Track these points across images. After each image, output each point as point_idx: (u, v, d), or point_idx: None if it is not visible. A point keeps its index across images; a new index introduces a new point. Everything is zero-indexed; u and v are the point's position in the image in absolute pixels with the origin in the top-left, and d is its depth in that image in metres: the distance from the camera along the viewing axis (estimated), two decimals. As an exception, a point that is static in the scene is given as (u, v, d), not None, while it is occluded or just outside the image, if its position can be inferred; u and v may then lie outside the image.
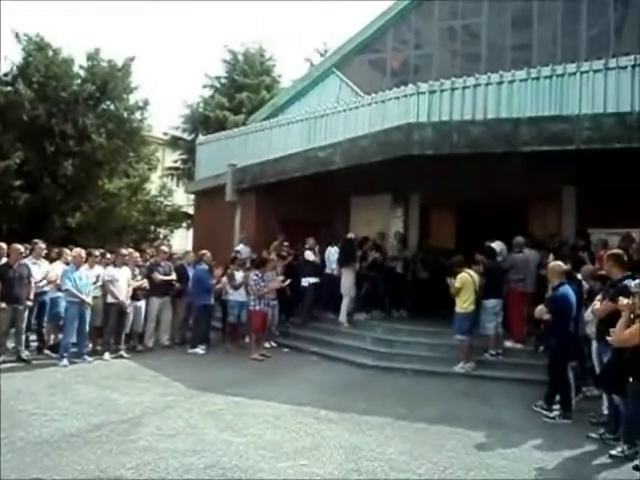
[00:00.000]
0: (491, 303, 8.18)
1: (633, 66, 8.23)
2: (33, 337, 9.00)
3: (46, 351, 8.74)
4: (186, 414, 5.80)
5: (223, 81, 23.15)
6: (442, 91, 9.51)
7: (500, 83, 9.13)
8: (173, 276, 9.67)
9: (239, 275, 10.00)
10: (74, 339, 8.34)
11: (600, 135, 8.03)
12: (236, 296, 9.88)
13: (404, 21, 14.41)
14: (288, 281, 9.75)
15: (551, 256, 8.31)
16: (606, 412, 5.59)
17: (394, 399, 6.69)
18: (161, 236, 19.47)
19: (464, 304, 7.84)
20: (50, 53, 16.70)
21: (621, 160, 8.45)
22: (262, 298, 9.08)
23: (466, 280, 7.85)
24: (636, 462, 4.57)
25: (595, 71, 8.50)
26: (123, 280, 8.86)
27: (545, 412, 6.10)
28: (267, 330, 9.64)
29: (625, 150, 7.94)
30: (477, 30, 13.50)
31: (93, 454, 4.63)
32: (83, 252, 8.59)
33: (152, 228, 18.98)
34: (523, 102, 8.94)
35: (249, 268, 10.39)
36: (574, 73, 8.67)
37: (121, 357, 8.64)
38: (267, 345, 9.54)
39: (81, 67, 17.45)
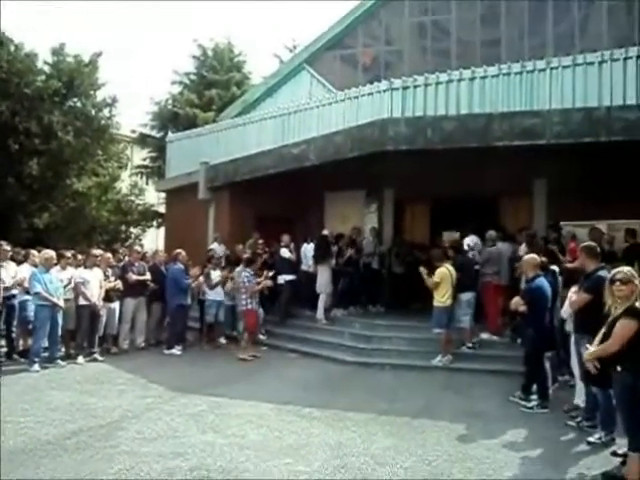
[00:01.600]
0: (466, 296, 8.32)
1: (600, 62, 8.44)
2: (2, 342, 8.72)
3: (15, 356, 8.48)
4: (167, 416, 5.70)
5: (192, 77, 22.80)
6: (415, 87, 9.58)
7: (472, 79, 9.24)
8: (148, 276, 9.50)
9: (215, 274, 9.91)
10: (45, 343, 8.12)
11: (569, 130, 8.22)
12: (213, 295, 9.80)
13: (374, 17, 14.45)
14: (271, 274, 9.72)
15: (523, 248, 8.49)
16: (576, 401, 5.74)
17: (375, 394, 6.71)
18: (133, 236, 19.07)
19: (442, 298, 7.92)
20: (12, 48, 16.11)
21: (589, 154, 8.68)
22: (253, 297, 8.99)
23: (445, 274, 7.93)
24: (613, 448, 4.70)
25: (564, 67, 8.70)
26: (95, 282, 8.66)
27: (523, 402, 6.21)
28: (258, 329, 9.61)
29: (593, 144, 8.14)
30: (447, 26, 13.62)
31: (72, 461, 4.51)
32: (54, 254, 8.34)
33: (123, 228, 18.57)
34: (495, 97, 9.09)
35: (224, 267, 10.31)
36: (544, 69, 8.85)
37: (95, 360, 8.44)
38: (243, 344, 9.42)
39: (45, 63, 16.90)
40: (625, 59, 8.25)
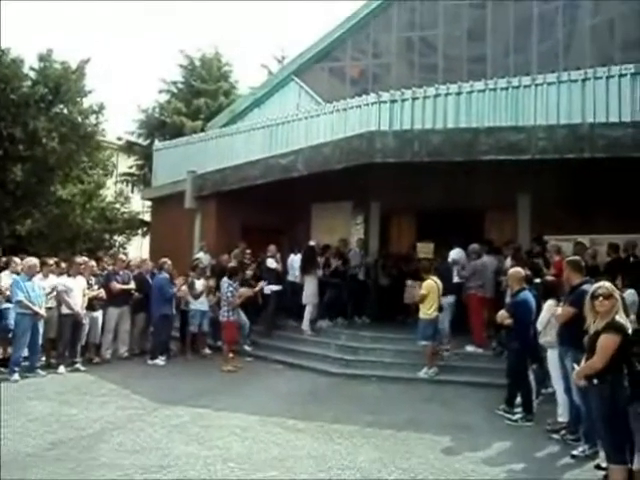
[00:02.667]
0: (447, 300, 8.45)
1: (583, 80, 8.61)
2: (-19, 351, 8.54)
3: (-6, 365, 8.31)
4: (150, 428, 5.62)
5: (180, 86, 22.80)
6: (403, 100, 9.67)
7: (459, 93, 9.36)
8: (132, 285, 9.40)
9: (199, 284, 9.84)
10: (26, 353, 7.97)
11: (554, 146, 8.35)
12: (197, 305, 9.71)
13: (363, 31, 14.62)
14: (264, 284, 9.85)
15: (509, 262, 8.58)
16: (559, 419, 5.77)
17: (361, 406, 6.69)
18: (117, 244, 18.87)
19: (429, 310, 7.94)
20: (-2, 53, 15.98)
21: (572, 169, 8.82)
22: (235, 308, 8.96)
23: (431, 287, 7.97)
24: (597, 461, 4.73)
25: (548, 84, 8.85)
26: (78, 290, 8.55)
27: (508, 415, 6.24)
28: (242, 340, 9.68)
29: (576, 160, 8.29)
30: (434, 42, 13.83)
31: (52, 473, 4.42)
32: (37, 261, 8.22)
33: (107, 236, 18.35)
34: (481, 112, 9.20)
35: (209, 276, 10.26)
36: (529, 85, 8.99)
37: (77, 370, 8.30)
38: (230, 355, 9.35)
39: (32, 68, 16.77)
40: (608, 77, 8.43)
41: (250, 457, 4.89)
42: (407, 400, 7.05)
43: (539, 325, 5.93)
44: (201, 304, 9.76)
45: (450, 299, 8.55)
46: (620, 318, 4.11)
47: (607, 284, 4.24)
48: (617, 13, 11.43)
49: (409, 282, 10.53)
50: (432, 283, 7.99)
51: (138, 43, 53.28)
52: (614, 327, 4.05)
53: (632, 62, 8.53)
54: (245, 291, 9.36)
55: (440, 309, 8.14)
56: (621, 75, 8.30)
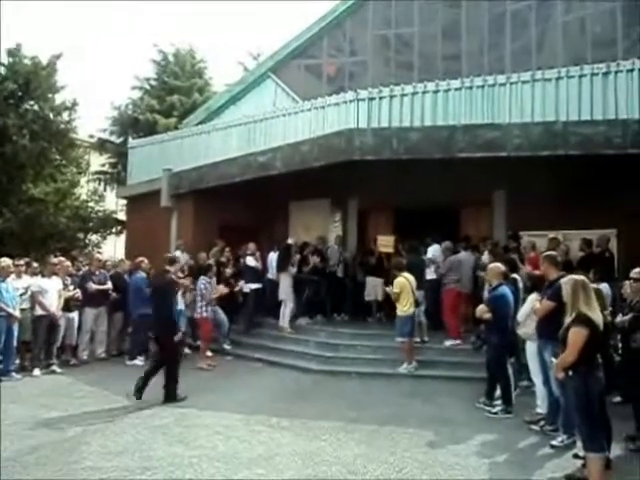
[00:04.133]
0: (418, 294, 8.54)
1: (557, 79, 8.82)
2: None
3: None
4: (132, 429, 5.56)
5: (153, 83, 22.50)
6: (381, 98, 9.75)
7: (436, 91, 9.48)
8: (109, 285, 9.25)
9: (177, 282, 9.73)
10: (-1, 356, 7.80)
11: (529, 143, 8.51)
12: (175, 304, 9.60)
13: (339, 28, 14.65)
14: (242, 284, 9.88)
15: (486, 257, 8.71)
16: (537, 410, 5.92)
17: (343, 403, 6.72)
18: (91, 243, 18.50)
19: (404, 307, 7.99)
20: (-35, 49, 15.54)
21: (547, 166, 9.01)
22: (209, 304, 8.89)
23: (404, 284, 8.03)
24: (575, 450, 4.85)
25: (523, 82, 9.03)
26: (53, 291, 8.41)
27: (488, 408, 6.36)
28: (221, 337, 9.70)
29: (551, 157, 8.46)
30: (409, 40, 13.93)
31: (34, 478, 4.33)
32: (11, 262, 8.03)
33: (82, 235, 17.98)
34: (458, 110, 9.34)
35: (187, 275, 10.15)
36: (504, 84, 9.16)
37: (53, 372, 8.17)
38: (209, 353, 9.30)
39: (0, 64, 16.33)
40: (580, 76, 8.65)
41: (235, 456, 4.88)
42: (388, 395, 7.12)
43: (520, 317, 6.06)
44: (177, 303, 9.66)
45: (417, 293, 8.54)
46: (588, 310, 4.23)
47: (573, 277, 4.42)
48: (588, 12, 11.69)
49: (369, 278, 10.61)
50: (404, 280, 8.06)
51: (110, 39, 52.31)
52: (581, 320, 4.18)
53: (603, 60, 8.78)
54: (222, 288, 9.31)
55: (416, 304, 8.23)
56: (593, 74, 8.53)
